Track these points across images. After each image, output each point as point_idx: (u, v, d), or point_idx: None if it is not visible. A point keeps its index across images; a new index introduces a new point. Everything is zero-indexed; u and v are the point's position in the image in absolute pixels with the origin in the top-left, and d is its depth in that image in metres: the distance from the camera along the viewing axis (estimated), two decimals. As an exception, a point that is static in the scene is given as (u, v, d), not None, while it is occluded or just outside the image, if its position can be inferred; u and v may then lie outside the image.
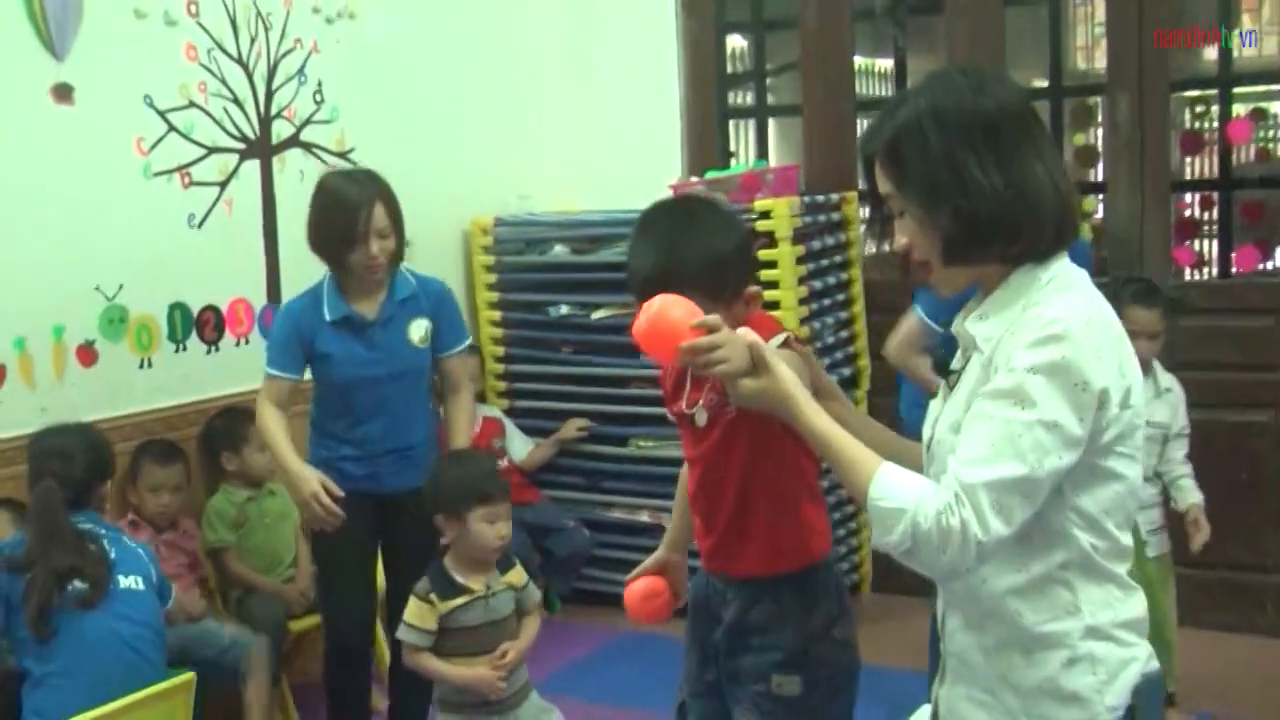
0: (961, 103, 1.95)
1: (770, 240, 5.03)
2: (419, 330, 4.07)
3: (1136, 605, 1.99)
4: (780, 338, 2.36)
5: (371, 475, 4.02)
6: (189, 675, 3.45)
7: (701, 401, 2.53)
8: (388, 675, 4.30)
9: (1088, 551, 1.93)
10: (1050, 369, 1.84)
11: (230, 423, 4.60)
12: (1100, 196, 5.55)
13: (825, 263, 5.33)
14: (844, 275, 5.47)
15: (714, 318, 2.04)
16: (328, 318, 3.97)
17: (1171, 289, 5.11)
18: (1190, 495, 4.22)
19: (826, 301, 5.34)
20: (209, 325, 4.72)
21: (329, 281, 4.01)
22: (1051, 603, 1.93)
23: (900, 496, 1.86)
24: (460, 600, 3.42)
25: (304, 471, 3.84)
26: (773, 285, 4.90)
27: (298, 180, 4.96)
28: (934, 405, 2.11)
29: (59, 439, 3.69)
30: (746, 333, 2.05)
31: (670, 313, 2.06)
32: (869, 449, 1.96)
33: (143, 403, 4.49)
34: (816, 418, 1.98)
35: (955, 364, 2.08)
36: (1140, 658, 1.97)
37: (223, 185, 4.74)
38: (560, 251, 5.63)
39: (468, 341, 4.33)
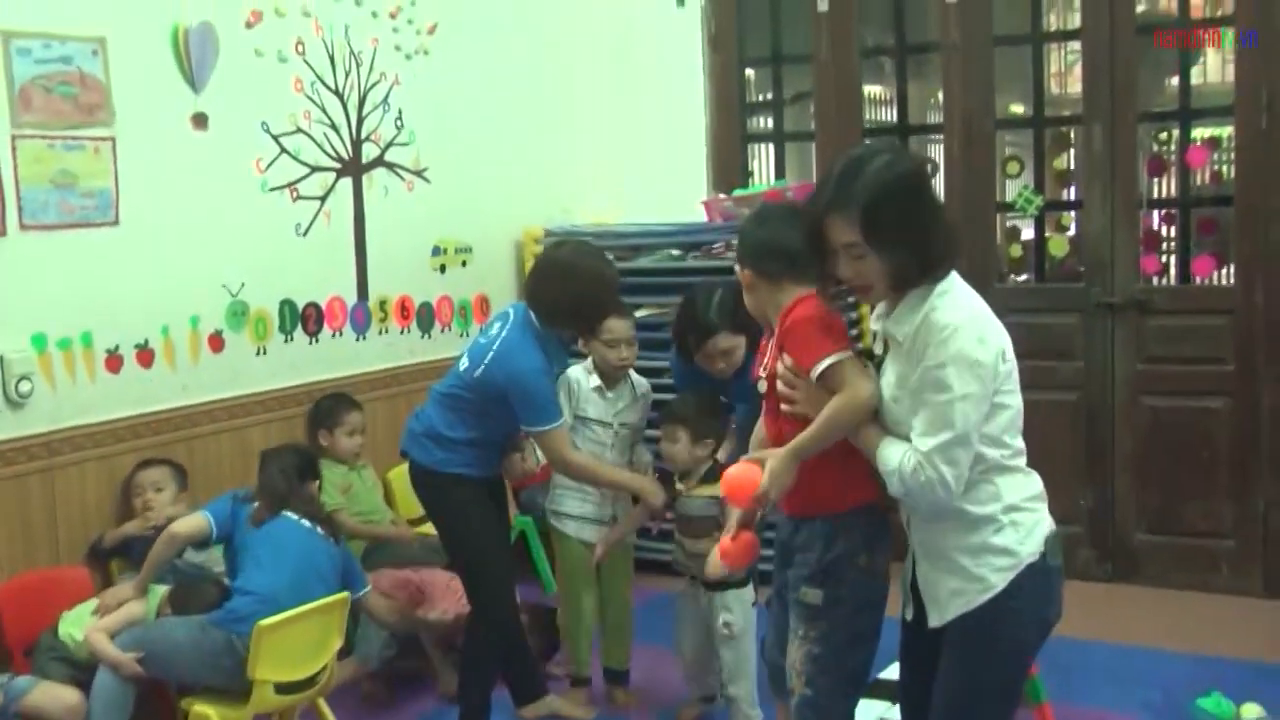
0: (896, 174, 2.73)
1: (790, 249, 5.72)
2: None
3: (1036, 484, 2.88)
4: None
5: (485, 463, 4.43)
6: (344, 595, 4.19)
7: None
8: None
9: (996, 458, 2.80)
10: (951, 359, 2.70)
11: (334, 405, 5.28)
12: (1075, 213, 6.20)
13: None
14: (852, 279, 6.18)
15: (761, 489, 2.94)
16: (555, 371, 4.42)
17: (1137, 292, 5.88)
18: (645, 455, 4.78)
19: (838, 304, 6.01)
20: (311, 319, 5.43)
21: (553, 339, 4.34)
22: (982, 495, 2.81)
23: (889, 463, 2.80)
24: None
25: (648, 485, 4.42)
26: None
27: (382, 195, 5.71)
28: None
29: (281, 450, 4.65)
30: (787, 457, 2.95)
31: (737, 485, 3.02)
32: (874, 426, 2.88)
33: (260, 384, 5.19)
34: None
35: (877, 351, 2.96)
36: (1045, 520, 2.86)
37: (323, 199, 5.45)
38: (603, 258, 6.32)
39: None
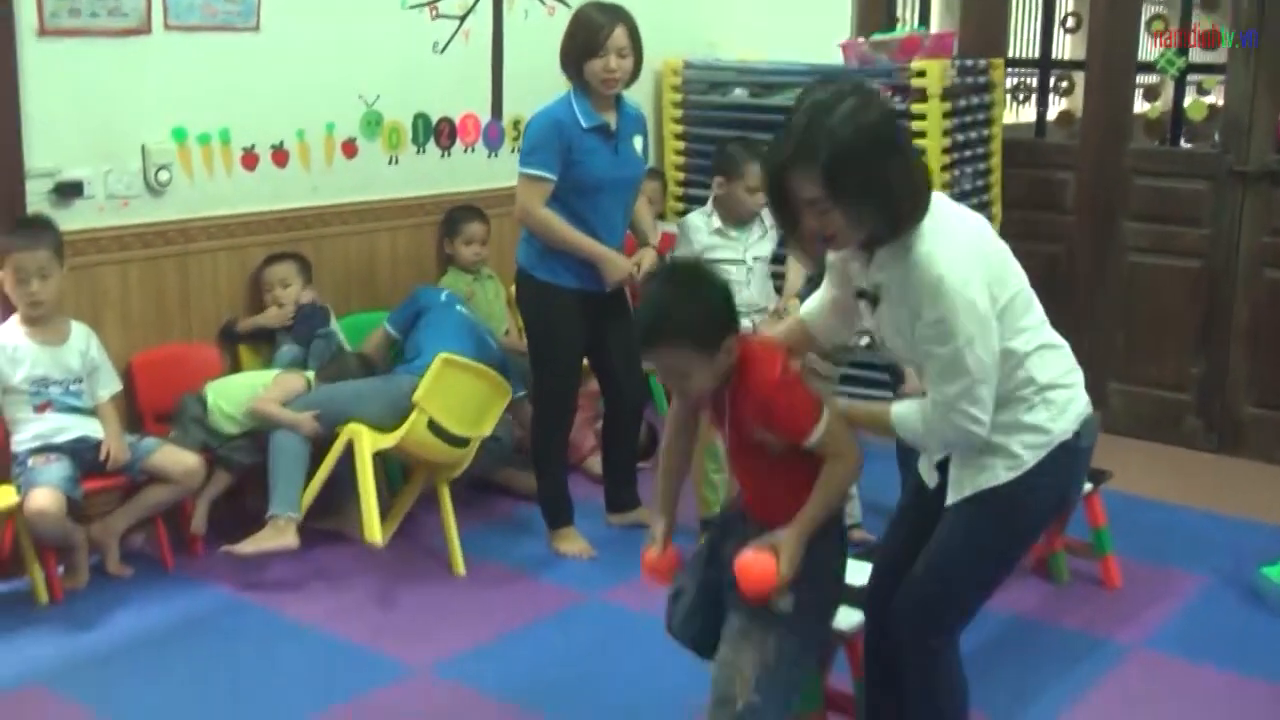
0: (859, 126, 2.57)
1: (922, 96, 5.70)
2: (639, 144, 4.68)
3: (1066, 356, 2.87)
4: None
5: (591, 276, 4.57)
6: (509, 388, 4.72)
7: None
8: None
9: (1021, 347, 2.76)
10: (949, 310, 2.61)
11: (459, 216, 5.56)
12: (1221, 78, 6.02)
13: (969, 119, 5.98)
14: (985, 131, 6.14)
15: (781, 579, 2.79)
16: (584, 125, 4.46)
17: (1273, 162, 5.78)
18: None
19: (968, 153, 5.99)
20: (444, 134, 5.69)
21: (575, 95, 4.50)
22: (1015, 378, 2.77)
23: (912, 427, 2.77)
24: None
25: (615, 256, 4.53)
26: (920, 135, 5.66)
27: (522, 18, 5.88)
28: (865, 317, 2.90)
29: None
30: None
31: (758, 577, 2.83)
32: (876, 405, 2.89)
33: (389, 192, 5.49)
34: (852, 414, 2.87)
35: (864, 286, 2.81)
36: (1080, 397, 2.86)
37: (462, 19, 5.65)
38: (740, 94, 6.40)
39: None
